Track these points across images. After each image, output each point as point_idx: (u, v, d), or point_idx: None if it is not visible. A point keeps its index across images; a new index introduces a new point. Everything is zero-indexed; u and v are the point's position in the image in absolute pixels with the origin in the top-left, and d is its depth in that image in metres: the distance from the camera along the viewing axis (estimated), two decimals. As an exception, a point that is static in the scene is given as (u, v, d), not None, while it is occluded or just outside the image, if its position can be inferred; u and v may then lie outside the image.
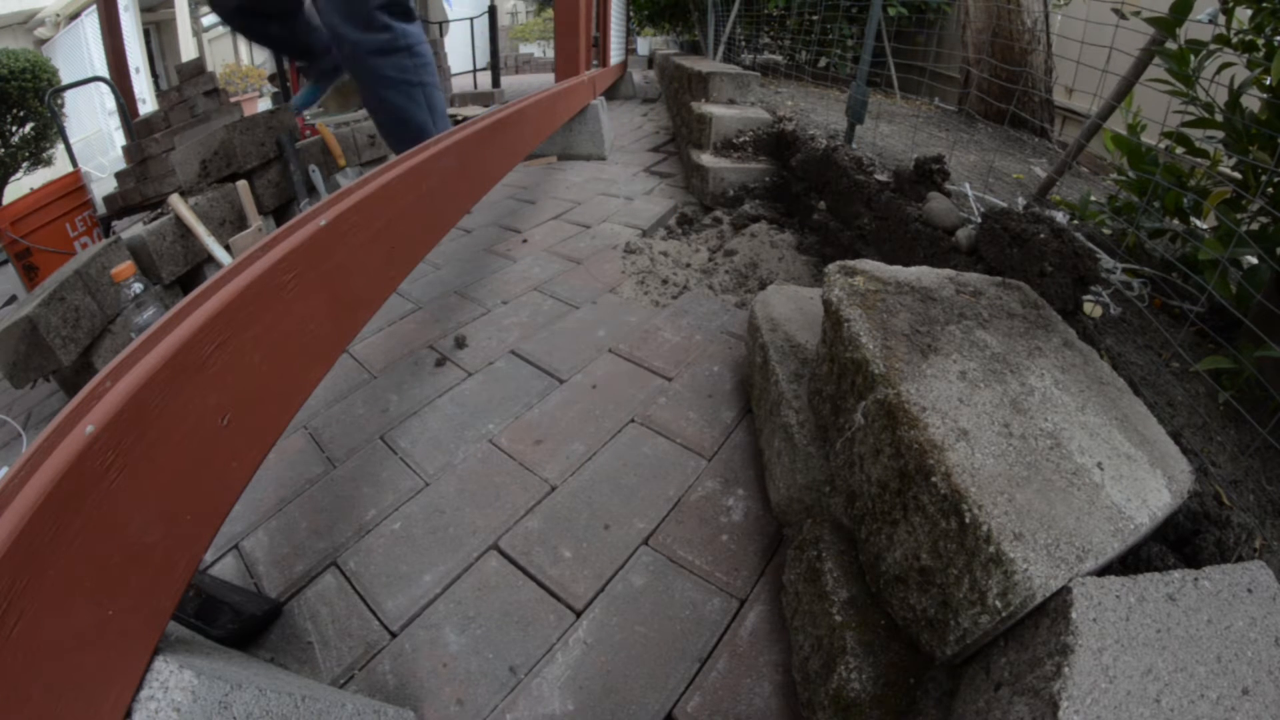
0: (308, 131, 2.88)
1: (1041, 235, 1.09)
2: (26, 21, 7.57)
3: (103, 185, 3.54)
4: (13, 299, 3.50)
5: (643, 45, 9.16)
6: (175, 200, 2.23)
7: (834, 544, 0.85)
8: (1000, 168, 2.01)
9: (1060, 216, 1.40)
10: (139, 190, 2.77)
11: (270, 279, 0.79)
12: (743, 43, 4.90)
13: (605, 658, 0.87)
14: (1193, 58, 1.13)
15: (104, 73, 4.50)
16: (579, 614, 0.92)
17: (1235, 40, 1.11)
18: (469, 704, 0.82)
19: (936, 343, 0.83)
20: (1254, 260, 1.05)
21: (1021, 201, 1.60)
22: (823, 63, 4.23)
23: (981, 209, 1.46)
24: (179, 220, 2.20)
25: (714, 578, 0.97)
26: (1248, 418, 0.89)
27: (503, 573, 0.99)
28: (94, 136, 6.85)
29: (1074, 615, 0.54)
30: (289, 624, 0.94)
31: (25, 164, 4.49)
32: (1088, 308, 1.11)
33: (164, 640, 0.57)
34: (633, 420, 1.29)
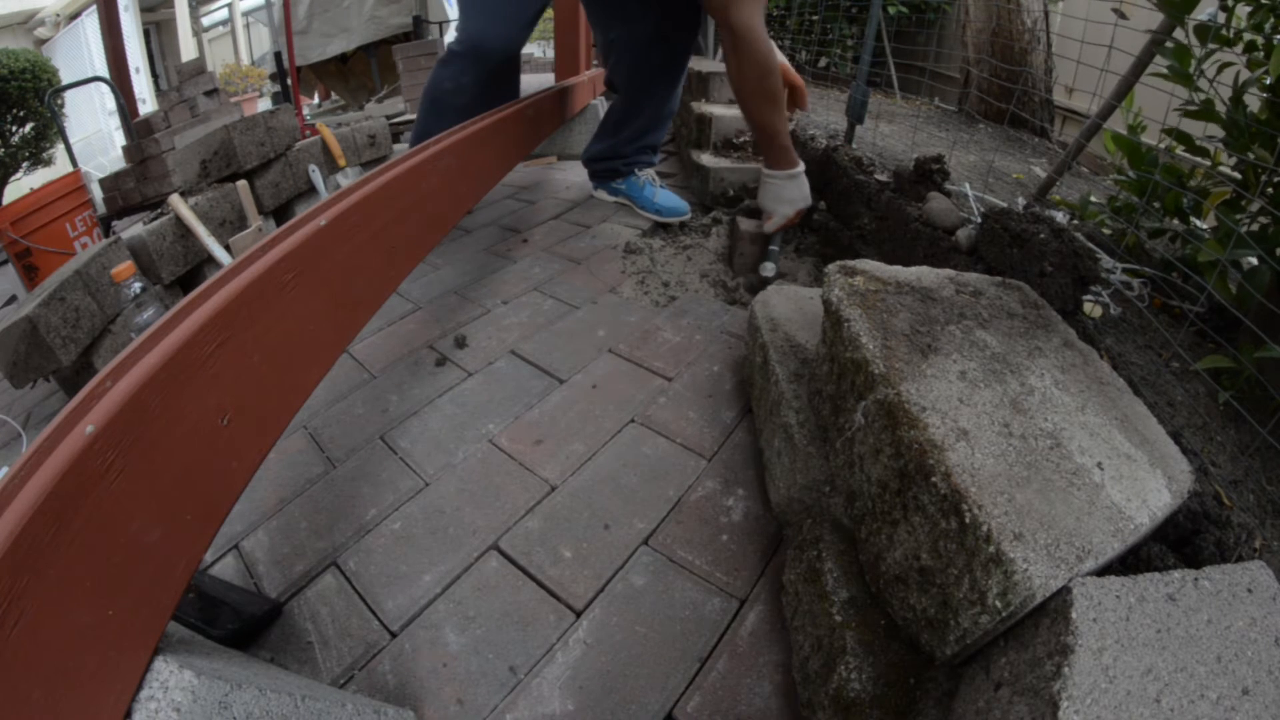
0: (308, 131, 2.88)
1: (1041, 235, 1.09)
2: (26, 21, 7.57)
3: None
4: (13, 299, 3.50)
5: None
6: (175, 200, 2.23)
7: (834, 544, 0.85)
8: (1000, 168, 2.01)
9: (1060, 216, 1.40)
10: (139, 190, 2.77)
11: (270, 279, 0.79)
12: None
13: (605, 658, 0.87)
14: (1196, 52, 1.13)
15: (104, 73, 4.51)
16: (579, 614, 0.92)
17: (1235, 38, 1.11)
18: (469, 704, 0.82)
19: (936, 343, 0.82)
20: (1254, 261, 1.05)
21: (1021, 201, 1.59)
22: (823, 63, 4.23)
23: (981, 209, 1.46)
24: (179, 220, 2.20)
25: (714, 578, 0.97)
26: (1248, 418, 0.89)
27: (503, 573, 0.99)
28: (94, 136, 6.85)
29: (1074, 615, 0.54)
30: (289, 624, 0.94)
31: (25, 164, 4.49)
32: (1088, 308, 1.11)
33: (164, 640, 0.57)
34: (633, 420, 1.29)
